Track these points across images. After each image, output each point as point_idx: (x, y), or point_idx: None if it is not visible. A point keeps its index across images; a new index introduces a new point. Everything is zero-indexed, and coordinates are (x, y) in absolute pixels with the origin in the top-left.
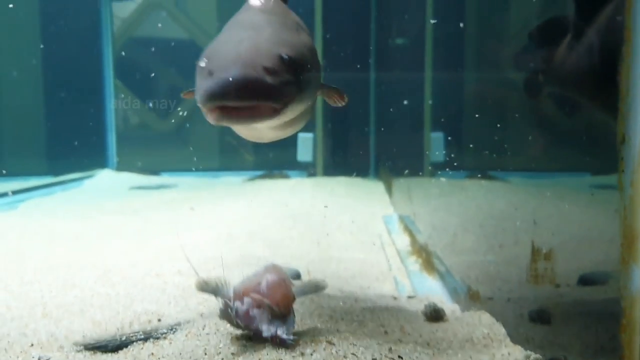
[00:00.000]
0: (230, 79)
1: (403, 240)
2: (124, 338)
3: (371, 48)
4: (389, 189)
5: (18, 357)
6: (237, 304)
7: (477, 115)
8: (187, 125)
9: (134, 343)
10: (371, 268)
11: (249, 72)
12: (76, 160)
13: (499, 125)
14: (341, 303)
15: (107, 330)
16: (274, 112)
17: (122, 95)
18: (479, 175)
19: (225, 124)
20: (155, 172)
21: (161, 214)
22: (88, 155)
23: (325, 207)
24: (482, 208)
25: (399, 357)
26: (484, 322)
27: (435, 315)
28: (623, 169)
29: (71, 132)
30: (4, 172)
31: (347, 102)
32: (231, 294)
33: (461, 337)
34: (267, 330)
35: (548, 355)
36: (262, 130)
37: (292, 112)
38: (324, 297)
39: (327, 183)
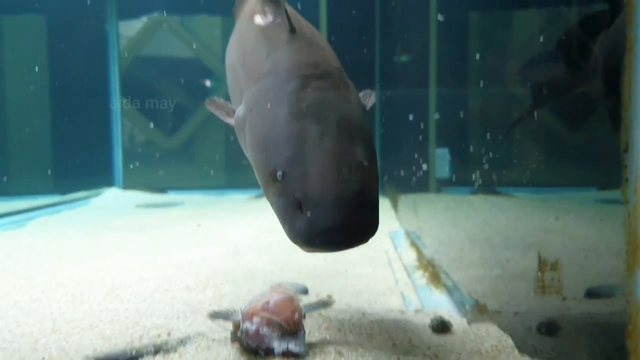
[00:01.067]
0: (336, 227)
1: (409, 255)
2: (134, 352)
3: (376, 66)
4: (394, 205)
5: None
6: (247, 324)
7: (481, 131)
8: (193, 143)
9: (145, 356)
10: (378, 283)
11: (350, 217)
12: (83, 179)
13: (503, 141)
14: (349, 317)
15: (117, 344)
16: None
17: (128, 114)
18: (485, 191)
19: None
20: (161, 190)
21: (168, 230)
22: (95, 174)
23: None
24: (488, 222)
25: None
26: (491, 334)
27: (442, 327)
28: (627, 177)
29: (78, 151)
30: (10, 190)
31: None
32: (239, 317)
33: (469, 349)
34: (278, 346)
35: None
36: None
37: None
38: (332, 312)
39: None
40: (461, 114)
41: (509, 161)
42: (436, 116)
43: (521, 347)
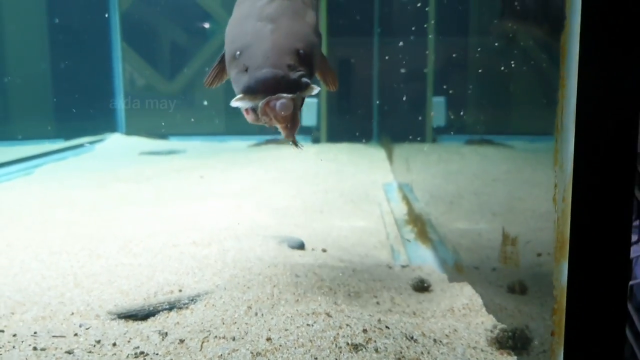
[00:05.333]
0: (264, 78)
1: (401, 209)
2: (151, 308)
3: (375, 12)
4: (390, 156)
5: (62, 324)
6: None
7: (479, 78)
8: (193, 88)
9: (160, 312)
10: (370, 237)
11: (277, 73)
12: (85, 124)
13: (500, 88)
14: (340, 274)
15: (134, 300)
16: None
17: (129, 59)
18: (479, 141)
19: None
20: (163, 136)
21: (173, 181)
22: (97, 119)
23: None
24: (477, 175)
25: (386, 327)
26: (465, 294)
27: (422, 286)
28: (557, 187)
29: (80, 95)
30: (19, 137)
31: (337, 87)
32: None
33: (443, 307)
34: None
35: (515, 324)
36: None
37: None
38: (325, 269)
39: (330, 150)
40: (459, 61)
41: (505, 109)
42: (433, 64)
43: (489, 306)
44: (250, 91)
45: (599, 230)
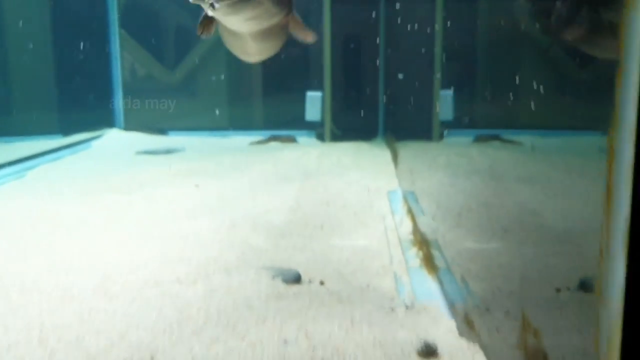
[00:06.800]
0: None
1: (406, 225)
2: None
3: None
4: (395, 157)
5: None
6: None
7: (487, 72)
8: (194, 78)
9: None
10: (372, 260)
11: None
12: (83, 117)
13: (510, 81)
14: (336, 329)
15: None
16: None
17: (128, 48)
18: (488, 137)
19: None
20: (162, 131)
21: (166, 189)
22: (95, 112)
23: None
24: (487, 183)
25: None
26: None
27: (427, 351)
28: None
29: (78, 88)
30: (15, 132)
31: (314, 39)
32: None
33: None
34: None
35: None
36: (245, 39)
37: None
38: (319, 323)
39: (333, 151)
40: (467, 54)
41: (514, 103)
42: (441, 57)
43: None
44: None
45: None
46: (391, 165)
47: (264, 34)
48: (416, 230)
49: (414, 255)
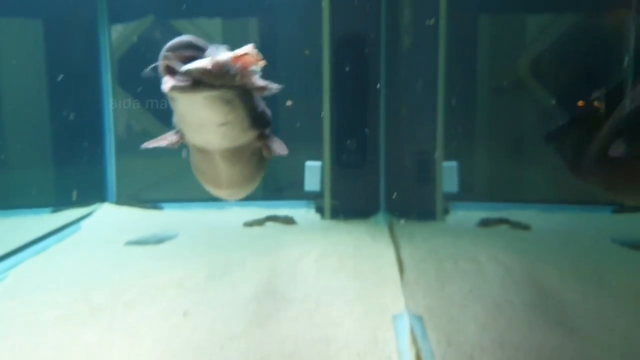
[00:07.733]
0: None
1: None
2: None
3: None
4: (398, 258)
5: None
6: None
7: (493, 142)
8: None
9: None
10: None
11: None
12: (75, 186)
13: (516, 154)
14: None
15: None
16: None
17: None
18: (495, 221)
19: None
20: (156, 205)
21: (153, 316)
22: (86, 185)
23: None
24: (500, 308)
25: None
26: None
27: None
28: None
29: (70, 160)
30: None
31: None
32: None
33: None
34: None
35: None
36: (215, 160)
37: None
38: None
39: (333, 250)
40: (471, 123)
41: (523, 176)
42: (444, 126)
43: None
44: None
45: None
46: (394, 269)
47: (237, 154)
48: None
49: None
